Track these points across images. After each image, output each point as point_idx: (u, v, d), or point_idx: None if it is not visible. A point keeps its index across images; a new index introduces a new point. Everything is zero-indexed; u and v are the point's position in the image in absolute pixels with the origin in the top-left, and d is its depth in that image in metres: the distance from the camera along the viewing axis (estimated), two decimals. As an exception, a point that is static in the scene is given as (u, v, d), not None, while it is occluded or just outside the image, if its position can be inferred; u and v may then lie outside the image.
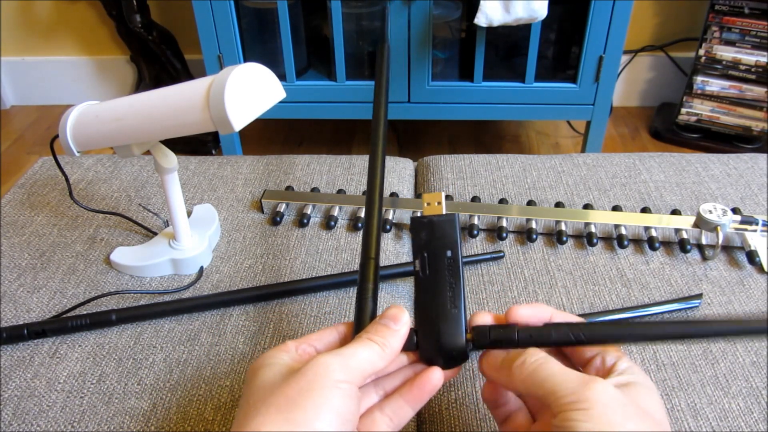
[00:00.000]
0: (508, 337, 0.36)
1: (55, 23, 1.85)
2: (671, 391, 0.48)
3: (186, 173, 0.75)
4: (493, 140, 1.75)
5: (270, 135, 1.79)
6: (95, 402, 0.48)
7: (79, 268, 0.61)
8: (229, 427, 0.46)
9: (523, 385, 0.34)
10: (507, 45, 1.38)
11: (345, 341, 0.38)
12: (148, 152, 0.55)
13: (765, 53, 1.49)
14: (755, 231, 0.61)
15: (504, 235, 0.63)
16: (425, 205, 0.41)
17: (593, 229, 0.63)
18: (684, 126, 1.68)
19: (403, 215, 0.67)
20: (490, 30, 1.26)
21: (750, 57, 1.51)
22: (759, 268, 0.60)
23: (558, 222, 0.64)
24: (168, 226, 0.65)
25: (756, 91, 1.54)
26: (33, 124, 1.90)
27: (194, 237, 0.61)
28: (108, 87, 1.96)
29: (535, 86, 1.35)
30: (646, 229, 0.63)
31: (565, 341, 0.36)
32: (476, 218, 0.65)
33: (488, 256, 0.62)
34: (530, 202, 0.68)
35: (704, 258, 0.61)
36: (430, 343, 0.37)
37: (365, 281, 0.39)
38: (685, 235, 0.62)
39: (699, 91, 1.60)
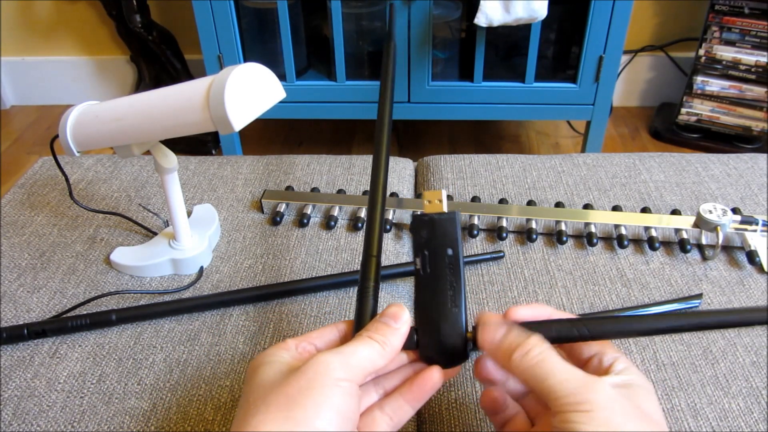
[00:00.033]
0: None
1: (55, 23, 1.85)
2: (671, 391, 0.48)
3: (186, 173, 0.75)
4: (493, 140, 1.75)
5: (270, 135, 1.79)
6: (95, 402, 0.48)
7: (79, 268, 0.61)
8: (229, 427, 0.46)
9: (521, 376, 0.34)
10: (507, 45, 1.38)
11: (345, 339, 0.38)
12: (148, 152, 0.55)
13: (765, 53, 1.49)
14: (755, 231, 0.61)
15: (504, 235, 0.63)
16: (426, 202, 0.40)
17: (593, 229, 0.63)
18: (684, 126, 1.68)
19: (403, 215, 0.67)
20: (490, 30, 1.26)
21: (750, 57, 1.51)
22: (759, 268, 0.60)
23: (558, 222, 0.64)
24: (168, 226, 0.65)
25: (756, 91, 1.54)
26: (33, 124, 1.90)
27: (194, 237, 0.61)
28: (108, 87, 1.96)
29: (535, 86, 1.35)
30: (646, 229, 0.63)
31: (568, 336, 0.36)
32: (476, 218, 0.65)
33: (488, 256, 0.62)
34: (530, 202, 0.68)
35: (704, 258, 0.61)
36: (431, 342, 0.37)
37: (366, 279, 0.39)
38: (685, 235, 0.62)
39: (699, 91, 1.60)
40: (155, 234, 0.64)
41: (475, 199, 0.69)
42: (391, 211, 0.66)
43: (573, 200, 0.70)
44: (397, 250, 0.64)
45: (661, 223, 0.63)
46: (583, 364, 0.36)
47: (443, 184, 0.73)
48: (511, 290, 0.58)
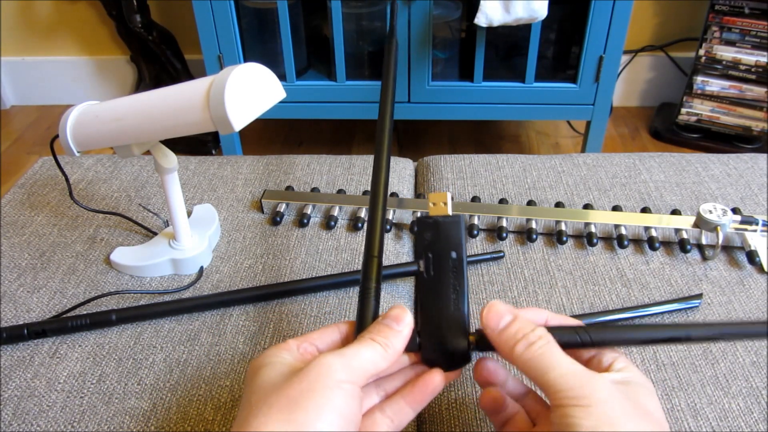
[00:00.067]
0: None
1: (55, 23, 1.85)
2: (671, 391, 0.48)
3: (186, 173, 0.75)
4: (493, 140, 1.75)
5: (270, 135, 1.79)
6: (95, 402, 0.48)
7: (79, 268, 0.61)
8: (229, 427, 0.46)
9: (522, 367, 0.34)
10: (507, 45, 1.38)
11: (346, 340, 0.37)
12: (148, 152, 0.55)
13: (765, 53, 1.49)
14: (755, 231, 0.61)
15: (504, 235, 0.63)
16: (431, 205, 0.40)
17: (593, 229, 0.63)
18: (684, 126, 1.68)
19: (403, 215, 0.67)
20: (490, 30, 1.26)
21: (750, 57, 1.51)
22: (759, 268, 0.60)
23: (558, 222, 0.64)
24: (168, 226, 0.65)
25: (756, 91, 1.54)
26: (33, 124, 1.90)
27: (194, 237, 0.61)
28: (108, 87, 1.96)
29: (535, 86, 1.35)
30: (646, 229, 0.63)
31: (570, 343, 0.36)
32: (476, 218, 0.65)
33: (488, 256, 0.62)
34: (530, 202, 0.68)
35: (704, 258, 0.61)
36: (433, 344, 0.37)
37: (368, 280, 0.39)
38: (685, 235, 0.62)
39: (699, 91, 1.60)
40: (155, 234, 0.64)
41: (475, 199, 0.69)
42: (391, 211, 0.66)
43: (573, 200, 0.70)
44: (397, 250, 0.64)
45: (661, 223, 0.63)
46: (583, 363, 0.36)
47: (443, 184, 0.73)
48: (511, 290, 0.58)
